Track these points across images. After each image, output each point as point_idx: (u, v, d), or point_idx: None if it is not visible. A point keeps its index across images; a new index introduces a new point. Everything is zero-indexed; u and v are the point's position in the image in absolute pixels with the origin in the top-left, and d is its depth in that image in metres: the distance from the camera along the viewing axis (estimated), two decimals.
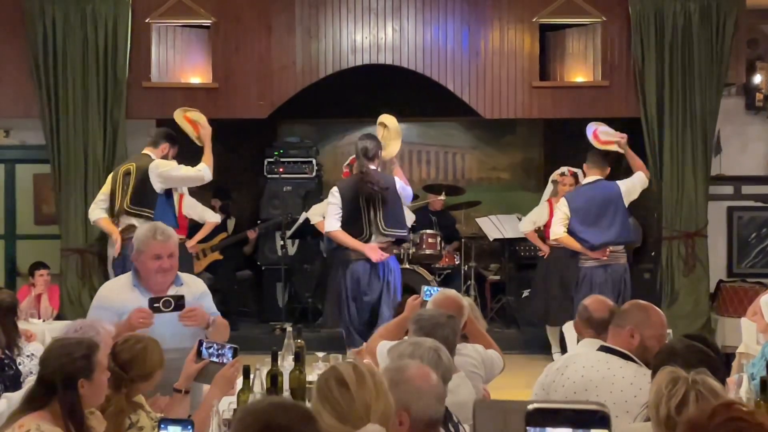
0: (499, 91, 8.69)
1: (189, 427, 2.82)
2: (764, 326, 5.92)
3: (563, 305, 7.52)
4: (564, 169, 8.29)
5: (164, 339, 3.95)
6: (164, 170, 6.92)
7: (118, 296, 4.26)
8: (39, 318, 7.72)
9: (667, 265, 8.52)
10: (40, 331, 6.78)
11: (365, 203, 6.67)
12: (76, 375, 3.03)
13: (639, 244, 9.65)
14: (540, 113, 8.95)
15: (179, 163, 7.10)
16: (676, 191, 8.46)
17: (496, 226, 9.26)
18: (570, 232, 7.39)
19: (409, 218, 8.49)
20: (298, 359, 3.97)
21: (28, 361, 5.50)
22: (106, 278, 7.30)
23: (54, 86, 8.44)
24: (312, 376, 4.06)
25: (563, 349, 7.45)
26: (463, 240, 9.59)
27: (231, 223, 9.75)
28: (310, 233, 8.78)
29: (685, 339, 3.25)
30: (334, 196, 6.75)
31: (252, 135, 10.03)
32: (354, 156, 7.07)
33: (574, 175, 8.13)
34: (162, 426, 2.83)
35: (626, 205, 7.46)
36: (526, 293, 9.25)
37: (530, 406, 1.69)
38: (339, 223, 6.69)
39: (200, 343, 3.69)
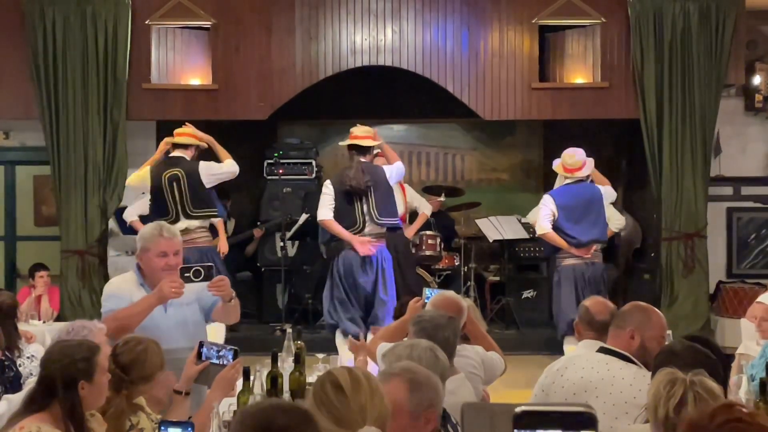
0: (499, 92, 8.69)
1: (189, 428, 2.83)
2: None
3: None
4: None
5: (171, 338, 3.97)
6: (217, 169, 7.52)
7: (129, 289, 4.25)
8: (39, 319, 7.73)
9: (666, 266, 8.52)
10: (40, 333, 6.79)
11: (356, 196, 7.04)
12: (76, 377, 3.03)
13: (638, 245, 9.67)
14: (539, 114, 8.96)
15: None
16: (675, 192, 8.46)
17: (495, 228, 9.26)
18: (555, 228, 7.43)
19: (425, 207, 8.63)
20: (298, 361, 3.98)
21: (29, 363, 5.51)
22: (107, 279, 7.31)
23: (54, 88, 8.44)
24: (312, 377, 4.07)
25: None
26: (462, 241, 9.59)
27: (231, 225, 9.74)
28: (309, 234, 8.78)
29: (685, 340, 3.25)
30: (328, 188, 7.14)
31: (252, 136, 10.02)
32: None
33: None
34: (162, 428, 2.84)
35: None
36: (526, 294, 9.25)
37: (518, 409, 1.70)
38: (331, 213, 7.02)
39: (201, 345, 3.69)
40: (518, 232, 9.25)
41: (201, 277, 4.19)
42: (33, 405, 3.03)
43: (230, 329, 8.83)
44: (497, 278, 9.77)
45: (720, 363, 3.22)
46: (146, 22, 8.59)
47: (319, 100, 9.36)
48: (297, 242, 9.36)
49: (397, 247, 7.73)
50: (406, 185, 8.63)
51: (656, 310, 3.84)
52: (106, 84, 8.44)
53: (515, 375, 5.80)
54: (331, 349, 6.90)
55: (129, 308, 4.14)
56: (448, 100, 8.95)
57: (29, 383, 4.40)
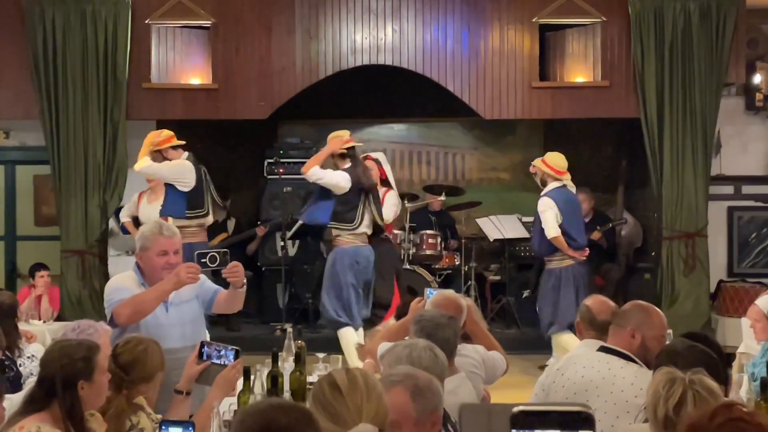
0: (499, 91, 8.69)
1: (190, 428, 2.83)
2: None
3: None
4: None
5: (172, 338, 3.96)
6: None
7: (131, 286, 4.23)
8: (39, 319, 7.72)
9: (667, 265, 8.51)
10: (40, 333, 6.79)
11: (365, 194, 7.51)
12: (76, 376, 3.03)
13: (639, 244, 9.67)
14: (540, 114, 8.95)
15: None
16: (676, 191, 8.46)
17: (496, 227, 9.26)
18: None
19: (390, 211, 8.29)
20: (299, 360, 3.98)
21: (29, 363, 5.50)
22: (107, 279, 7.29)
23: (54, 87, 8.44)
24: (312, 377, 4.07)
25: None
26: (463, 240, 9.59)
27: (231, 224, 9.74)
28: (310, 234, 8.77)
29: (686, 339, 3.25)
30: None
31: (252, 136, 10.02)
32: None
33: None
34: (163, 427, 2.84)
35: None
36: (526, 293, 9.25)
37: (515, 409, 1.70)
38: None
39: (202, 345, 3.69)
40: (519, 232, 9.25)
41: (217, 263, 4.21)
42: (33, 405, 3.03)
43: (230, 329, 8.86)
44: (498, 277, 9.77)
45: (721, 362, 3.21)
46: (146, 22, 8.59)
47: (319, 100, 9.35)
48: (297, 242, 9.36)
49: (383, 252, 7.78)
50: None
51: (657, 309, 3.84)
52: (106, 83, 8.44)
53: (515, 375, 5.82)
54: (332, 348, 6.91)
55: (145, 293, 4.12)
56: (448, 99, 8.94)
57: (29, 383, 4.40)
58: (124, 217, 8.39)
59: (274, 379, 3.78)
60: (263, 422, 2.11)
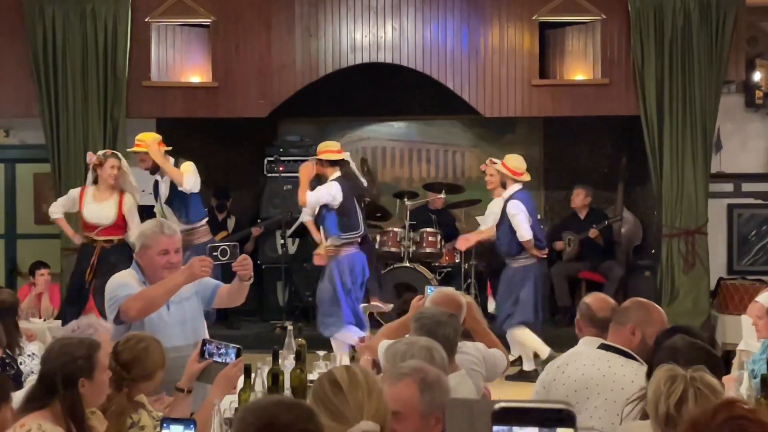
0: (499, 89, 8.69)
1: (191, 426, 2.83)
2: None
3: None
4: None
5: (173, 336, 3.96)
6: None
7: (134, 283, 4.20)
8: (40, 317, 7.72)
9: (667, 262, 8.52)
10: (41, 331, 6.80)
11: (359, 201, 7.68)
12: (76, 374, 3.03)
13: (639, 241, 9.66)
14: (540, 111, 8.95)
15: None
16: (676, 189, 8.46)
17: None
18: None
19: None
20: (299, 358, 3.99)
21: (30, 361, 5.50)
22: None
23: (54, 86, 8.44)
24: (313, 374, 4.07)
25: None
26: None
27: (231, 222, 9.74)
28: (310, 232, 8.76)
29: (687, 337, 3.25)
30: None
31: (252, 134, 10.01)
32: None
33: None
34: (164, 425, 2.83)
35: None
36: None
37: (497, 406, 1.70)
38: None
39: (204, 343, 3.69)
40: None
41: (227, 256, 4.25)
42: (34, 403, 3.03)
43: (231, 327, 8.86)
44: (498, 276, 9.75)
45: (719, 359, 3.21)
46: (146, 20, 8.59)
47: (319, 98, 9.34)
48: (297, 239, 9.36)
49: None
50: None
51: (657, 306, 3.84)
52: (106, 82, 8.44)
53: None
54: (332, 346, 6.93)
55: (155, 287, 4.11)
56: (448, 97, 8.94)
57: (30, 381, 4.39)
58: (57, 213, 7.72)
59: (275, 376, 3.79)
60: (265, 419, 2.11)
